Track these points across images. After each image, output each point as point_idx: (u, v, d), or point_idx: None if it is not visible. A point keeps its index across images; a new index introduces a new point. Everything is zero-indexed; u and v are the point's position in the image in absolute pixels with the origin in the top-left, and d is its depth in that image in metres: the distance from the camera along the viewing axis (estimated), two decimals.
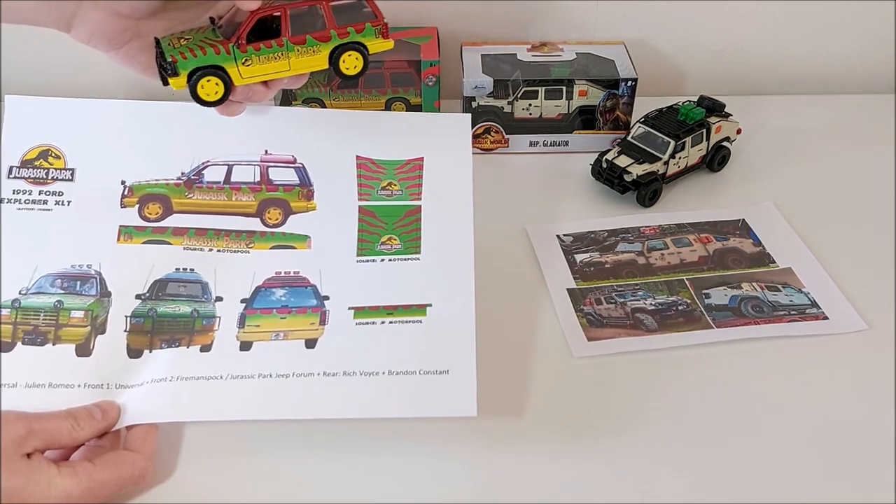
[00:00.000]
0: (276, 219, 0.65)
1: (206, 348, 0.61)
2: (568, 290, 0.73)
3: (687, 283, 0.74)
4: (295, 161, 0.66)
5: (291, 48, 0.60)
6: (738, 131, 0.88)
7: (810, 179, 0.87)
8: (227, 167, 0.66)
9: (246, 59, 0.60)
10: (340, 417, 0.57)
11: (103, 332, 0.61)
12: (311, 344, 0.60)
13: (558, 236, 0.79)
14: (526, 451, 0.59)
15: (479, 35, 0.98)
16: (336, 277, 0.63)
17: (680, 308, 0.71)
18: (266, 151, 0.66)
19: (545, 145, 0.91)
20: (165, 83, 0.61)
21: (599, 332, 0.69)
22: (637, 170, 0.81)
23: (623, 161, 0.82)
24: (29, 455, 0.52)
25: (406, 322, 0.60)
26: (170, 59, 0.58)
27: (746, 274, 0.75)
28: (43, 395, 0.59)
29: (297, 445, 0.59)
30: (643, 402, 0.64)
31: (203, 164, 0.66)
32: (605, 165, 0.83)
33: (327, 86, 0.88)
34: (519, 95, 0.87)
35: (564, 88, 0.87)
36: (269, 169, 0.66)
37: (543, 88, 0.87)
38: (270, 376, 0.58)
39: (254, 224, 0.65)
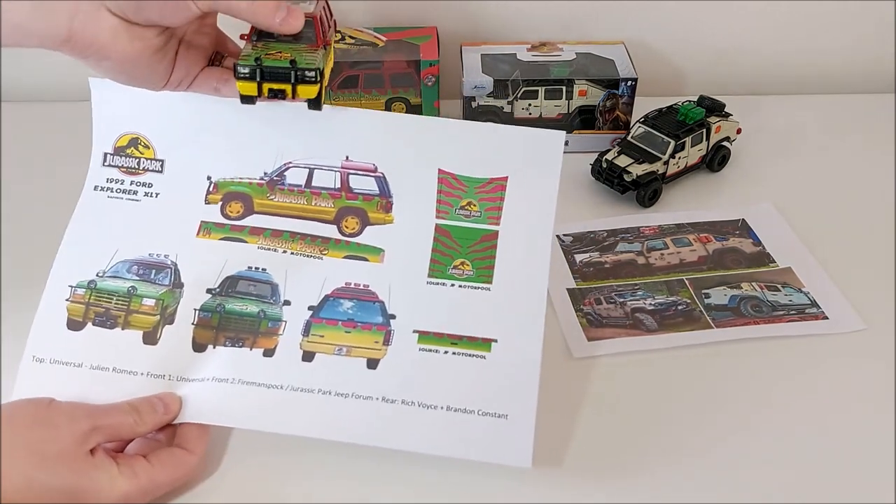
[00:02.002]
0: (353, 228, 0.65)
1: (268, 353, 0.61)
2: (568, 290, 0.73)
3: (687, 282, 0.74)
4: (376, 170, 0.65)
5: (330, 46, 0.63)
6: (738, 131, 0.88)
7: (810, 179, 0.87)
8: (308, 170, 0.66)
9: (326, 57, 0.61)
10: (393, 448, 0.57)
11: (171, 322, 0.62)
12: (372, 364, 0.60)
13: (558, 236, 0.79)
14: None
15: (479, 35, 0.98)
16: (405, 297, 0.62)
17: (680, 308, 0.71)
18: (347, 157, 0.65)
19: None
20: (247, 101, 0.61)
21: (599, 332, 0.69)
22: (637, 170, 0.81)
23: (623, 161, 0.82)
24: (92, 451, 0.53)
25: (469, 355, 0.59)
26: (318, 68, 0.59)
27: (746, 274, 0.75)
28: (106, 379, 0.60)
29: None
30: (643, 402, 0.64)
31: (285, 164, 0.66)
32: (604, 165, 0.83)
33: (327, 86, 0.88)
34: (519, 95, 0.87)
35: (564, 88, 0.87)
36: (350, 176, 0.65)
37: (543, 88, 0.87)
38: (330, 394, 0.58)
39: (330, 231, 0.65)
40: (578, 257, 0.77)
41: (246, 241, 0.64)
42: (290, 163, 0.66)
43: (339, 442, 0.57)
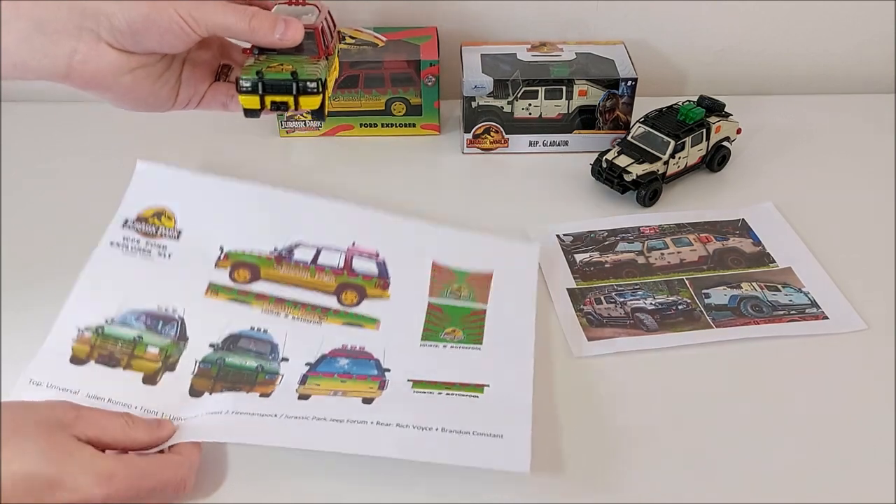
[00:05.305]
0: (352, 300, 0.70)
1: (265, 395, 0.63)
2: (568, 289, 0.73)
3: (687, 282, 0.74)
4: (378, 255, 0.72)
5: (332, 56, 0.65)
6: (738, 131, 0.88)
7: (810, 179, 0.87)
8: (315, 249, 0.72)
9: (329, 67, 0.62)
10: (392, 457, 0.56)
11: (172, 370, 0.64)
12: (368, 401, 0.61)
13: (558, 236, 0.79)
14: None
15: (479, 35, 0.98)
16: (399, 355, 0.66)
17: (680, 308, 0.71)
18: (354, 243, 0.73)
19: (545, 145, 0.91)
20: (251, 115, 0.61)
21: (599, 332, 0.69)
22: (637, 170, 0.81)
23: (623, 161, 0.82)
24: (78, 439, 0.51)
25: (462, 396, 0.62)
26: (319, 78, 0.60)
27: (746, 274, 0.75)
28: (101, 407, 0.60)
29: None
30: (643, 402, 0.64)
31: (295, 243, 0.72)
32: (605, 165, 0.83)
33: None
34: (519, 95, 0.87)
35: (564, 88, 0.87)
36: (354, 258, 0.72)
37: (543, 88, 0.87)
38: (325, 420, 0.59)
39: (330, 301, 0.70)
40: (578, 257, 0.77)
41: (251, 305, 0.69)
42: (300, 242, 0.73)
43: (336, 454, 0.56)
